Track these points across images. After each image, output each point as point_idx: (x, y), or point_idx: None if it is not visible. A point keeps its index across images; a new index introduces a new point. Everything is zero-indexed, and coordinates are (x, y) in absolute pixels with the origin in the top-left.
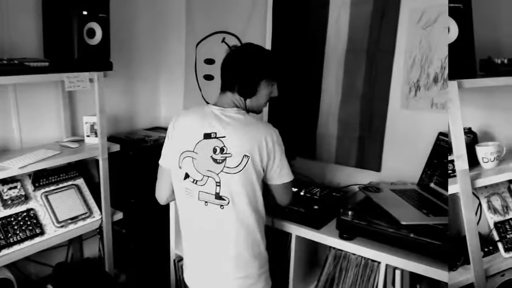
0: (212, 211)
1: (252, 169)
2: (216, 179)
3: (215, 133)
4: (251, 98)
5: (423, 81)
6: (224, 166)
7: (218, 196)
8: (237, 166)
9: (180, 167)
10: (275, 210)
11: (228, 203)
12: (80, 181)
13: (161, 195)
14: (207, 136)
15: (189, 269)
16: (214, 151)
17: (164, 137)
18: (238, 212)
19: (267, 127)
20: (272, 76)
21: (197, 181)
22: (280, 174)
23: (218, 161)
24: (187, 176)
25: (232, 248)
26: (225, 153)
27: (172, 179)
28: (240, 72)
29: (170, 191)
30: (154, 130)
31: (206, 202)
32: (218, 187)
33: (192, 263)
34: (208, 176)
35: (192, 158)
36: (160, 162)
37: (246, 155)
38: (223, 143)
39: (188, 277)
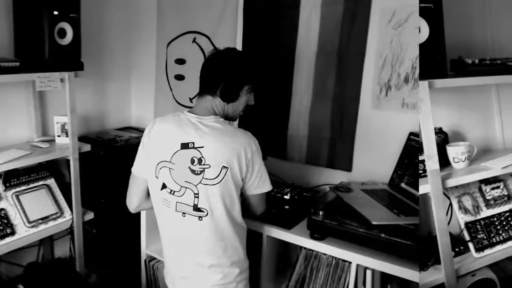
0: (190, 222)
1: (230, 180)
2: (195, 190)
3: (193, 143)
4: (232, 103)
5: (394, 81)
6: (203, 177)
7: (196, 208)
8: (216, 177)
9: (156, 177)
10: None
11: (207, 214)
12: (51, 181)
13: (131, 203)
14: (184, 146)
15: (170, 275)
16: (192, 161)
17: (135, 137)
18: (216, 223)
19: (246, 137)
20: (254, 83)
21: (174, 191)
22: (259, 185)
23: (196, 172)
24: (164, 186)
25: (209, 257)
26: (203, 164)
27: (149, 188)
28: (226, 73)
29: (141, 199)
30: (125, 130)
31: (184, 213)
32: (196, 199)
33: (172, 271)
34: (186, 187)
35: (170, 168)
36: (133, 169)
37: (224, 166)
38: (201, 153)
39: (169, 283)
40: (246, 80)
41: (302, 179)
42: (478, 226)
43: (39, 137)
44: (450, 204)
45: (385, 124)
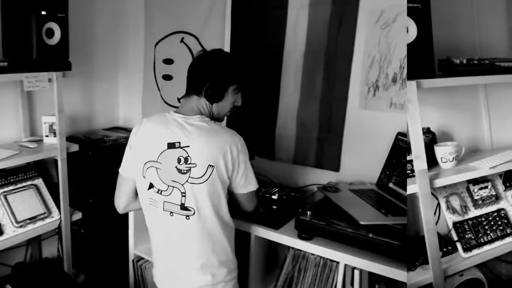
0: (177, 221)
1: (217, 179)
2: (182, 189)
3: (179, 142)
4: (217, 104)
5: (382, 81)
6: (189, 176)
7: (183, 207)
8: (202, 176)
9: (144, 177)
10: (234, 210)
11: (194, 213)
12: (39, 181)
13: (119, 204)
14: (171, 145)
15: (159, 275)
16: (179, 161)
17: (123, 137)
18: (204, 222)
19: (232, 136)
20: (240, 83)
21: (162, 191)
22: (245, 184)
23: (182, 171)
24: (151, 186)
25: (198, 257)
26: (190, 163)
27: (137, 188)
28: (211, 73)
29: (129, 200)
30: (113, 130)
31: (171, 212)
32: (183, 198)
33: (161, 271)
34: (173, 187)
35: (157, 168)
36: (120, 170)
37: (210, 165)
38: (187, 152)
39: (158, 283)
40: (231, 80)
41: (290, 179)
42: (466, 226)
43: (27, 137)
44: (438, 204)
45: (373, 124)
